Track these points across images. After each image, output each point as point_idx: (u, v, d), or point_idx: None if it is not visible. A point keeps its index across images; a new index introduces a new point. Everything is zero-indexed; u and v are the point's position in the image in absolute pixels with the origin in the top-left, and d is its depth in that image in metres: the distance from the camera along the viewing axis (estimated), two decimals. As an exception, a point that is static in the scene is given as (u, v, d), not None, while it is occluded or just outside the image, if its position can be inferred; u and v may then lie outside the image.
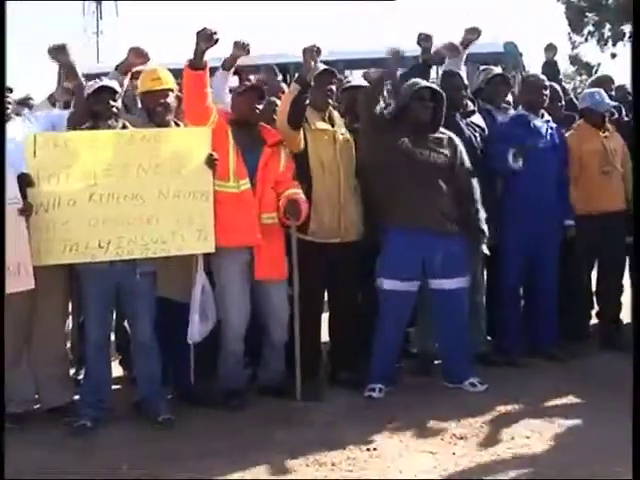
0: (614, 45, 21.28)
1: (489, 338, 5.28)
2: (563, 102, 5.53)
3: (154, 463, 3.65)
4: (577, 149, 5.27)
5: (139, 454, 3.77)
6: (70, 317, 4.63)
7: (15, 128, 4.13)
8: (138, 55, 4.58)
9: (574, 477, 3.38)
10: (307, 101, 4.46)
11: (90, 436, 4.00)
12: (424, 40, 5.29)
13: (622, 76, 6.70)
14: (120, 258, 4.05)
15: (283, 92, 5.11)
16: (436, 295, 4.55)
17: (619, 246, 5.28)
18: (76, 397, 4.32)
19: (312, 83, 4.48)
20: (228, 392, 4.39)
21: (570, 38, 22.37)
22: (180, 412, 4.24)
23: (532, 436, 3.89)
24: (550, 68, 6.36)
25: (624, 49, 19.94)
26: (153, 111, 4.34)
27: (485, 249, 4.57)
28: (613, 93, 6.10)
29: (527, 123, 5.06)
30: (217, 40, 4.10)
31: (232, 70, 4.97)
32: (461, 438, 3.88)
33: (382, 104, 4.51)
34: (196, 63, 4.13)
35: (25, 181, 3.90)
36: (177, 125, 4.42)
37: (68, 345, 4.62)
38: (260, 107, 4.42)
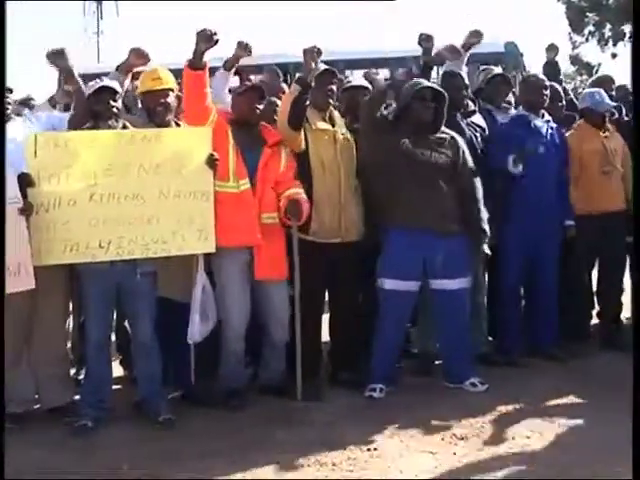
0: (614, 45, 21.30)
1: (490, 338, 5.28)
2: (564, 102, 5.53)
3: (154, 463, 3.65)
4: (577, 149, 5.26)
5: (139, 454, 3.77)
6: (71, 317, 4.63)
7: (16, 128, 4.13)
8: (139, 56, 4.58)
9: (575, 477, 3.38)
10: (307, 102, 4.46)
11: (90, 436, 4.00)
12: (425, 40, 5.28)
13: (623, 76, 6.72)
14: (121, 258, 4.04)
15: (283, 92, 5.11)
16: (438, 295, 4.54)
17: (619, 246, 5.28)
18: (76, 397, 4.32)
19: (312, 84, 4.47)
20: (229, 392, 4.39)
21: (571, 38, 22.40)
22: (180, 412, 4.24)
23: (532, 436, 3.89)
24: (551, 68, 6.37)
25: (625, 49, 19.96)
26: (153, 111, 4.33)
27: (487, 249, 4.57)
28: (614, 93, 6.10)
29: (527, 123, 5.06)
30: (217, 41, 4.10)
31: (233, 70, 4.97)
32: (462, 438, 3.88)
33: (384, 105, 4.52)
34: (196, 63, 4.14)
35: (26, 181, 3.90)
36: (177, 125, 4.41)
37: (69, 345, 4.62)
38: (260, 107, 4.42)
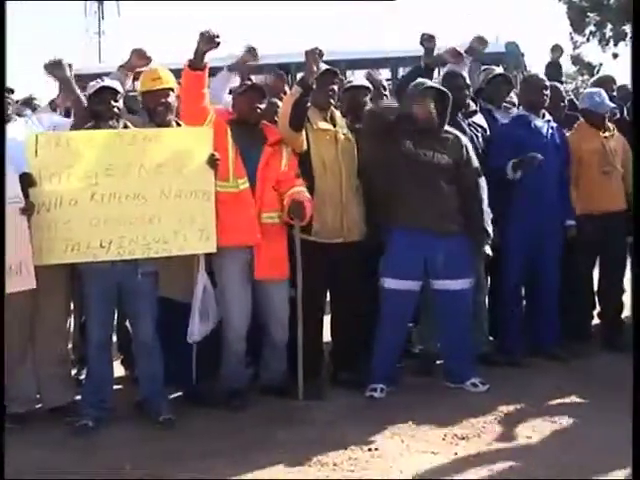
0: (616, 45, 21.31)
1: (491, 338, 5.28)
2: (565, 102, 5.53)
3: (156, 463, 3.65)
4: (577, 149, 5.26)
5: (141, 454, 3.77)
6: (72, 317, 4.63)
7: (17, 129, 4.13)
8: (140, 57, 4.58)
9: (575, 477, 3.38)
10: (308, 104, 4.45)
11: (92, 436, 4.00)
12: (427, 40, 5.28)
13: (624, 76, 6.71)
14: (122, 258, 4.04)
15: (285, 93, 5.11)
16: (440, 296, 4.54)
17: (620, 246, 5.28)
18: (78, 397, 4.32)
19: (314, 86, 4.47)
20: (230, 392, 4.39)
21: (572, 38, 22.42)
22: (182, 412, 4.24)
23: (534, 436, 3.89)
24: (554, 68, 6.37)
25: (626, 49, 19.93)
26: (154, 111, 4.32)
27: (488, 250, 4.56)
28: (615, 93, 6.10)
29: (528, 123, 5.06)
30: (219, 43, 4.10)
31: (235, 72, 4.98)
32: (463, 438, 3.88)
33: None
34: (196, 63, 4.13)
35: (27, 180, 3.90)
36: (178, 125, 4.41)
37: (70, 345, 4.62)
38: (261, 107, 4.42)
